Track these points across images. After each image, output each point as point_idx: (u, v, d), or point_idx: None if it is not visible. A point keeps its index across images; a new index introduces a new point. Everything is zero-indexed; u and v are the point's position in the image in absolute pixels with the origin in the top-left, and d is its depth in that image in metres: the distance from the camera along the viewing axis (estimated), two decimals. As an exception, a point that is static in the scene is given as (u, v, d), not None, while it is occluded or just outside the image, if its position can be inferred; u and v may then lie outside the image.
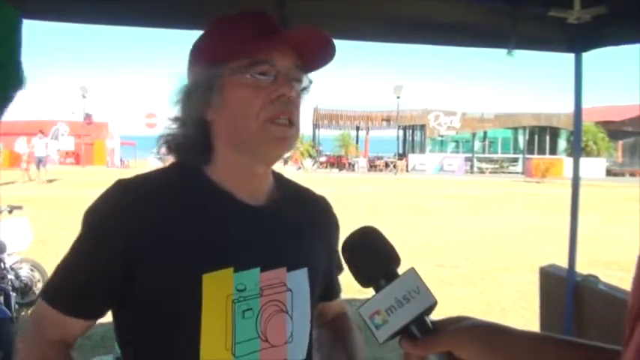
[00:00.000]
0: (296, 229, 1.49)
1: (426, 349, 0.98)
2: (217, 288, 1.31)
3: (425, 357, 0.98)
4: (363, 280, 1.04)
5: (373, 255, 1.05)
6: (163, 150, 1.44)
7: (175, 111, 1.41)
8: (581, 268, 4.12)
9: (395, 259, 1.06)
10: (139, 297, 1.32)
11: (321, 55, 1.42)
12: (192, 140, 1.39)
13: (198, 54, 1.42)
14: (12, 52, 2.87)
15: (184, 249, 1.30)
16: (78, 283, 1.33)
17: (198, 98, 1.36)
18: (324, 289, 1.61)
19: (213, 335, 1.31)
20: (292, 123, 1.38)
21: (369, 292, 1.03)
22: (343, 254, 1.09)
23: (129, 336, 1.41)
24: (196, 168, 1.42)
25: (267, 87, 1.34)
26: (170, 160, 1.47)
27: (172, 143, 1.43)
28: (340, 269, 1.67)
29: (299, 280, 1.45)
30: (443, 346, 0.97)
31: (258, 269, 1.36)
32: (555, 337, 0.99)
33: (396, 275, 1.02)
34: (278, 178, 1.55)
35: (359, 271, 1.06)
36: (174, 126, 1.43)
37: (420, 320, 0.99)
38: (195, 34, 1.47)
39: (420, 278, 1.00)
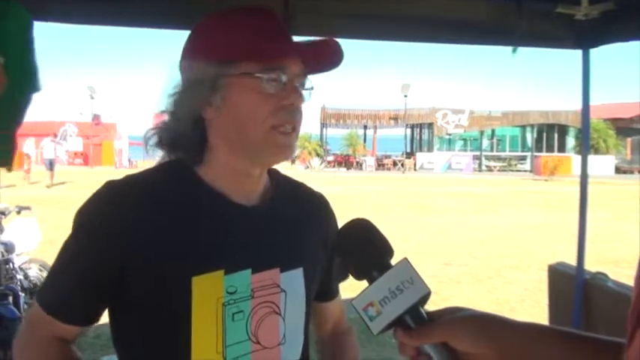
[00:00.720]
0: (292, 227, 1.46)
1: (420, 339, 0.97)
2: (207, 291, 1.29)
3: (420, 347, 0.98)
4: (357, 273, 1.04)
5: (366, 247, 1.05)
6: (152, 142, 1.40)
7: (169, 104, 1.37)
8: (591, 265, 4.10)
9: (388, 251, 1.05)
10: (130, 298, 1.30)
11: (326, 66, 1.40)
12: (187, 137, 1.35)
13: (202, 49, 1.35)
14: (27, 53, 2.92)
15: (173, 250, 1.28)
16: (67, 286, 1.32)
17: (198, 95, 1.31)
18: (322, 288, 1.59)
19: (204, 338, 1.29)
20: (295, 130, 1.36)
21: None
22: (336, 246, 1.09)
23: (123, 337, 1.39)
24: (188, 167, 1.39)
25: (276, 94, 1.30)
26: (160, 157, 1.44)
27: (164, 138, 1.39)
28: (344, 277, 1.66)
29: (294, 280, 1.43)
30: (438, 336, 0.96)
31: (249, 271, 1.34)
32: (559, 329, 0.99)
33: (389, 266, 1.01)
34: (274, 174, 1.52)
35: (351, 263, 1.06)
36: (167, 120, 1.38)
37: (414, 311, 0.98)
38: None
39: (414, 268, 0.99)
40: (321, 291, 1.60)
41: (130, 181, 1.38)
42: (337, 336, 1.73)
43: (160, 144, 1.40)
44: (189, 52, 1.38)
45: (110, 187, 1.34)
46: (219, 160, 1.37)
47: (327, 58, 1.38)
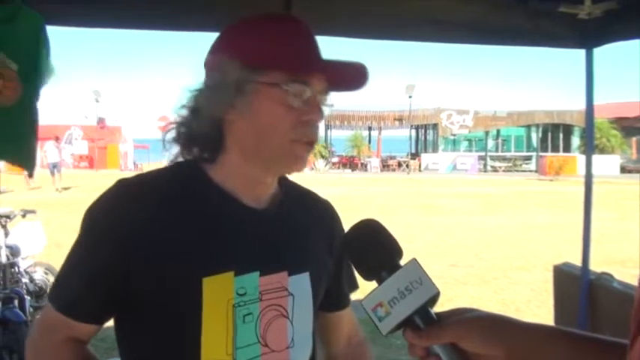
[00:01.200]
0: (299, 232, 1.47)
1: (429, 339, 0.97)
2: (218, 292, 1.28)
3: (429, 348, 0.98)
4: (366, 273, 1.04)
5: (375, 247, 1.05)
6: (169, 136, 1.40)
7: (191, 101, 1.36)
8: (597, 266, 4.09)
9: (397, 251, 1.05)
10: (140, 298, 1.30)
11: (350, 88, 1.40)
12: (204, 135, 1.35)
13: (234, 51, 1.33)
14: (41, 57, 2.92)
15: (183, 250, 1.28)
16: (79, 286, 1.32)
17: (223, 96, 1.30)
18: (332, 296, 1.59)
19: (214, 340, 1.29)
20: (312, 144, 1.36)
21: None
22: (345, 247, 1.09)
23: (130, 338, 1.39)
24: (199, 167, 1.39)
25: (299, 108, 1.30)
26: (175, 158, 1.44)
27: (183, 133, 1.38)
28: (354, 286, 1.66)
29: (301, 284, 1.43)
30: (447, 336, 0.96)
31: (257, 273, 1.34)
32: (567, 330, 0.99)
33: (398, 267, 1.01)
34: (282, 180, 1.51)
35: (361, 264, 1.06)
36: (186, 115, 1.37)
37: (423, 311, 0.98)
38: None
39: (422, 269, 0.99)
40: (332, 299, 1.59)
41: (140, 180, 1.38)
42: (353, 348, 1.72)
43: (178, 139, 1.39)
44: (220, 51, 1.37)
45: (121, 186, 1.34)
46: (232, 162, 1.37)
47: (352, 81, 1.38)
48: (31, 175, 3.40)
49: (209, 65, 1.37)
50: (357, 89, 1.40)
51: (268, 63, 1.29)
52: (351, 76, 1.37)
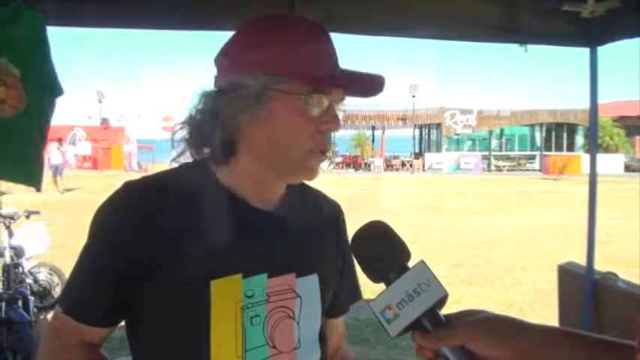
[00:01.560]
0: (307, 234, 1.45)
1: (438, 342, 0.97)
2: (226, 294, 1.28)
3: (438, 350, 0.97)
4: (373, 275, 1.03)
5: (382, 249, 1.04)
6: (180, 136, 1.38)
7: (206, 102, 1.33)
8: (601, 265, 4.08)
9: (405, 253, 1.04)
10: (148, 301, 1.29)
11: (365, 96, 1.37)
12: (218, 138, 1.32)
13: (257, 57, 1.30)
14: (43, 60, 2.82)
15: (191, 253, 1.27)
16: (88, 289, 1.31)
17: (242, 101, 1.28)
18: (334, 301, 1.57)
19: (224, 342, 1.28)
20: (324, 153, 1.35)
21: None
22: (352, 249, 1.08)
23: (140, 340, 1.38)
24: (207, 169, 1.37)
25: (317, 117, 1.29)
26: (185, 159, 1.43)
27: (195, 133, 1.36)
28: (357, 297, 1.66)
29: (309, 286, 1.42)
30: (455, 338, 0.96)
31: (265, 275, 1.33)
32: (572, 331, 0.99)
33: (406, 269, 1.00)
34: None
35: (368, 266, 1.05)
36: (197, 117, 1.35)
37: (431, 313, 0.98)
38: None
39: (430, 271, 0.99)
40: (333, 304, 1.58)
41: (148, 182, 1.37)
42: (339, 358, 1.72)
43: (189, 139, 1.37)
44: (239, 55, 1.34)
45: (127, 189, 1.33)
46: (243, 165, 1.36)
47: (368, 90, 1.36)
48: (38, 190, 3.24)
49: (226, 67, 1.35)
50: (371, 96, 1.38)
51: (291, 72, 1.27)
52: (369, 86, 1.35)
